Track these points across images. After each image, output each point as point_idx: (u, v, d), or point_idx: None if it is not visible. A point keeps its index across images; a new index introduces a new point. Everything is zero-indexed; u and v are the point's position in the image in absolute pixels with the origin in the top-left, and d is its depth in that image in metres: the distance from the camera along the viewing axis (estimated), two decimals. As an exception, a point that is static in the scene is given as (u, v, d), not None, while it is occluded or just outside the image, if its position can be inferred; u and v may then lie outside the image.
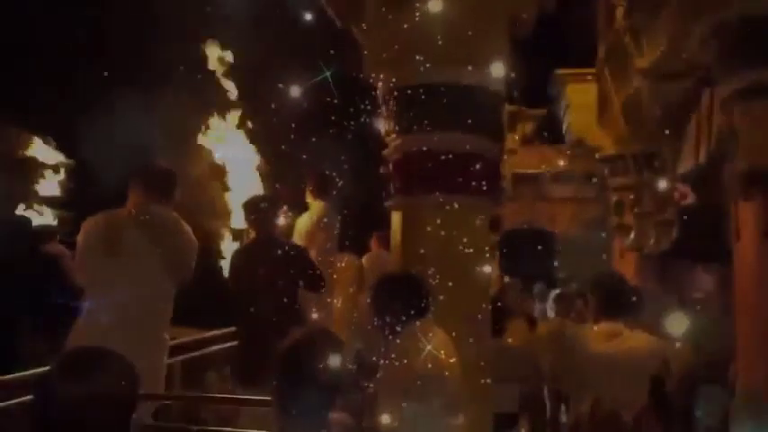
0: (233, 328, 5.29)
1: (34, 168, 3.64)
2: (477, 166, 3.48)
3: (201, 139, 5.41)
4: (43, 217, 3.63)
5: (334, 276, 5.09)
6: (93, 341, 2.88)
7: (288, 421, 1.81)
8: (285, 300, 3.93)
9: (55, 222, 3.52)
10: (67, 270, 3.37)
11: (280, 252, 4.01)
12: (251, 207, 4.29)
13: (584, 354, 3.34)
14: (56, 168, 3.62)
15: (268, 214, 4.28)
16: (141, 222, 3.31)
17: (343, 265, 5.71)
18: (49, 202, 3.57)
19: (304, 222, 5.07)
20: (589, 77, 9.47)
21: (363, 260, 6.40)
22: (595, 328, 3.39)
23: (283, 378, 1.82)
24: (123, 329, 3.05)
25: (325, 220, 5.02)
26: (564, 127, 10.73)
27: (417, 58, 3.37)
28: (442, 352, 2.86)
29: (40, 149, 3.87)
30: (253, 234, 4.39)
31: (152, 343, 3.35)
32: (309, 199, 5.17)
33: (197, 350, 5.25)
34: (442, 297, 3.01)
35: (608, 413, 2.35)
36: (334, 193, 5.18)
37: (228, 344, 5.46)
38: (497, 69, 3.40)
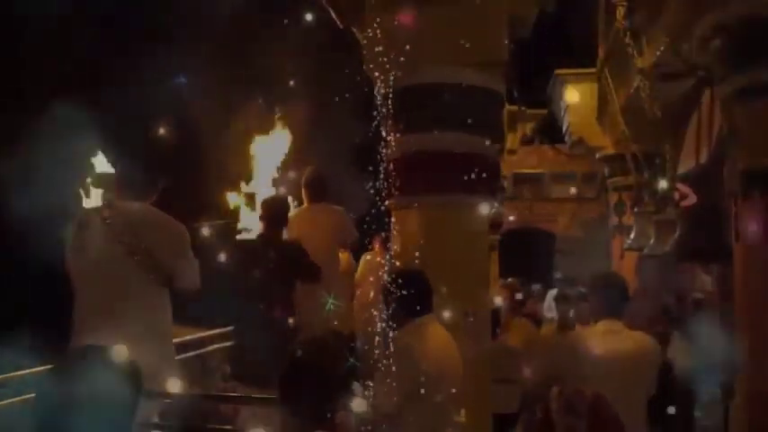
0: (232, 328, 5.30)
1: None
2: (477, 166, 3.48)
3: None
4: None
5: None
6: (81, 341, 2.89)
7: (294, 421, 1.81)
8: (282, 299, 3.95)
9: None
10: None
11: (281, 252, 4.03)
12: (275, 207, 4.26)
13: (584, 353, 3.34)
14: None
15: (285, 216, 4.29)
16: (104, 219, 3.18)
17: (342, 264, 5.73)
18: None
19: (301, 223, 5.03)
20: (589, 77, 9.48)
21: (362, 259, 6.42)
22: (595, 327, 3.40)
23: (291, 379, 1.82)
24: (105, 327, 2.93)
25: (324, 221, 4.98)
26: (564, 127, 10.72)
27: (417, 58, 3.37)
28: (444, 349, 2.87)
29: None
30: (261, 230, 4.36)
31: (142, 340, 3.26)
32: (306, 199, 5.14)
33: (196, 350, 5.25)
34: (441, 296, 3.02)
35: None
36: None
37: (228, 343, 5.47)
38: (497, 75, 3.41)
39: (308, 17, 4.12)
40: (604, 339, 3.27)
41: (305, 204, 5.04)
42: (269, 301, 3.88)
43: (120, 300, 3.09)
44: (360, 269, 6.39)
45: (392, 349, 2.86)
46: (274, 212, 4.33)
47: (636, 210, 8.67)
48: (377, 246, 6.58)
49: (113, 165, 3.48)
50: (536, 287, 11.10)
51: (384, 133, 3.66)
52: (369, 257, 6.56)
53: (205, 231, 4.21)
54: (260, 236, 4.28)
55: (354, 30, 3.90)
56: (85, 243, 3.17)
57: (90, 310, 3.11)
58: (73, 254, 3.21)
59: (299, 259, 4.14)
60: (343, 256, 5.65)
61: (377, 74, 3.64)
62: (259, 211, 4.48)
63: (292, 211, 4.75)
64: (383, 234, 6.42)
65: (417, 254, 3.37)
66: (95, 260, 3.15)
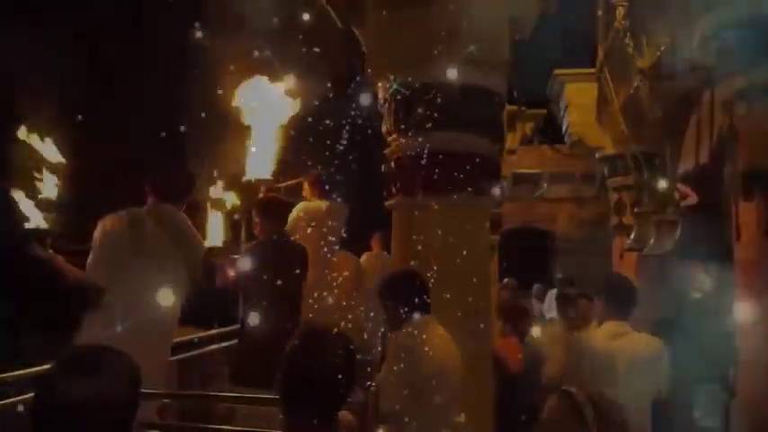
0: (231, 328, 5.29)
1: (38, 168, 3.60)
2: (477, 166, 3.48)
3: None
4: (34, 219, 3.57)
5: (333, 274, 5.05)
6: (110, 337, 2.92)
7: (294, 421, 1.80)
8: (294, 300, 3.96)
9: (46, 225, 3.49)
10: (61, 272, 3.35)
11: (292, 253, 4.04)
12: (272, 207, 4.27)
13: (590, 353, 3.35)
14: (54, 169, 3.56)
15: (286, 214, 4.31)
16: (160, 221, 3.36)
17: (335, 260, 5.71)
18: (44, 203, 3.51)
19: (301, 220, 5.02)
20: (589, 77, 9.46)
21: (362, 259, 6.41)
22: (601, 327, 3.40)
23: (291, 378, 1.80)
24: (144, 326, 3.12)
25: (328, 221, 4.98)
26: (564, 127, 10.71)
27: (418, 58, 3.37)
28: (444, 349, 2.87)
29: (42, 147, 3.77)
30: (258, 230, 4.36)
31: (166, 340, 3.42)
32: (308, 197, 5.13)
33: (195, 349, 5.24)
34: (442, 296, 3.01)
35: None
36: (335, 193, 5.12)
37: (226, 343, 5.45)
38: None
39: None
40: (612, 341, 3.27)
41: (313, 202, 5.04)
42: (287, 300, 3.91)
43: (162, 300, 3.25)
44: (367, 269, 6.37)
45: (392, 350, 2.85)
46: (281, 211, 4.33)
47: (636, 210, 8.65)
48: (375, 244, 6.58)
49: (153, 168, 3.57)
50: (537, 287, 11.12)
51: (385, 133, 3.66)
52: (369, 256, 6.56)
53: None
54: (273, 235, 4.24)
55: (355, 30, 3.89)
56: (143, 243, 3.28)
57: (137, 307, 3.18)
58: (130, 251, 3.27)
59: (305, 264, 4.15)
60: (342, 255, 5.64)
61: (378, 74, 3.64)
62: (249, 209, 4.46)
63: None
64: (381, 232, 6.43)
65: (418, 254, 3.37)
66: (154, 261, 3.28)
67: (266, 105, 4.03)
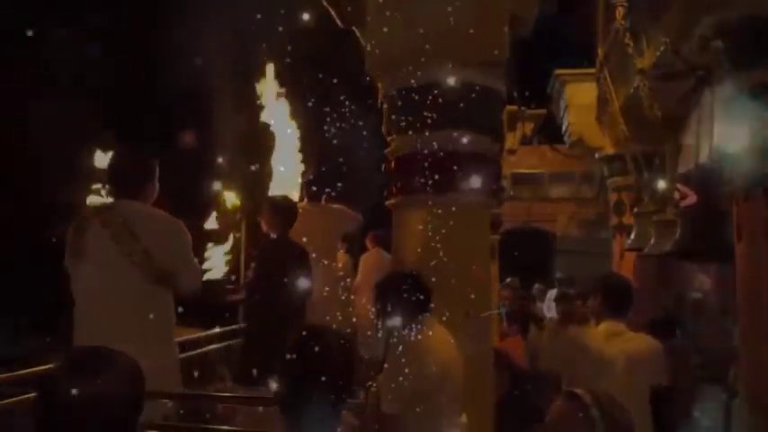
0: (231, 327, 5.30)
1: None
2: (478, 166, 3.48)
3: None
4: None
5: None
6: (82, 342, 2.88)
7: (295, 424, 1.79)
8: (296, 300, 3.97)
9: None
10: None
11: (297, 254, 4.05)
12: (278, 208, 4.28)
13: (586, 352, 3.35)
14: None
15: (294, 215, 4.32)
16: (102, 220, 3.10)
17: (338, 264, 5.74)
18: None
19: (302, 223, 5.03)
20: (589, 77, 9.47)
21: (361, 259, 6.42)
22: (598, 328, 3.40)
23: (290, 378, 1.80)
24: (103, 330, 2.92)
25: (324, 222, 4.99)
26: (564, 127, 10.72)
27: (418, 57, 3.36)
28: (445, 349, 2.87)
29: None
30: (267, 228, 4.37)
31: (141, 342, 3.21)
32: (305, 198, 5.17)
33: (195, 350, 5.24)
34: (442, 296, 3.01)
35: None
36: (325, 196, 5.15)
37: (226, 343, 5.47)
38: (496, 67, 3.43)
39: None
40: (607, 341, 3.27)
41: (304, 203, 5.06)
42: (290, 300, 3.91)
43: (118, 302, 3.02)
44: (360, 268, 6.39)
45: (393, 350, 2.85)
46: (289, 213, 4.34)
47: (636, 210, 8.66)
48: (369, 244, 6.60)
49: (111, 163, 3.41)
50: (536, 287, 11.13)
51: (385, 133, 3.67)
52: (368, 256, 6.57)
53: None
54: (279, 236, 4.25)
55: (355, 30, 3.90)
56: (82, 244, 3.10)
57: (88, 313, 3.08)
58: (69, 256, 3.14)
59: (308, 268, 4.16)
60: (341, 257, 5.66)
61: (378, 74, 3.64)
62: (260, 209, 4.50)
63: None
64: (376, 233, 6.46)
65: (418, 254, 3.37)
66: (93, 262, 3.08)
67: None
